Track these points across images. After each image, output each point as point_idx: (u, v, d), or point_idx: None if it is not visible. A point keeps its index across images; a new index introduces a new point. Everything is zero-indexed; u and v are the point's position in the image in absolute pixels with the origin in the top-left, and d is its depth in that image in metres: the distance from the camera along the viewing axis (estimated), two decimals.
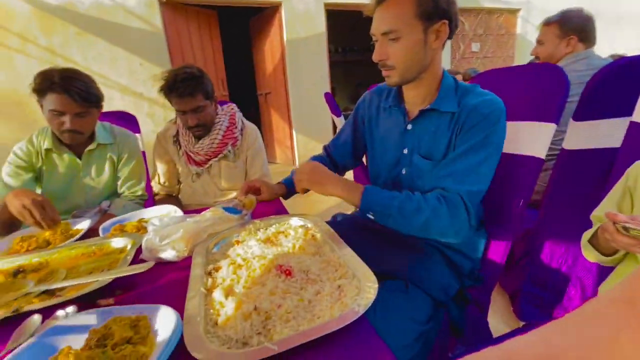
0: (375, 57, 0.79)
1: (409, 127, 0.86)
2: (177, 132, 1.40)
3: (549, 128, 0.83)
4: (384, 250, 0.84)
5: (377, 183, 1.00)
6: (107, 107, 3.25)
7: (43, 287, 0.66)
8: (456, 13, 0.76)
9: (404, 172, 0.89)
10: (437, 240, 0.85)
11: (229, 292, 0.57)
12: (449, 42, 4.57)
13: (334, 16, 3.99)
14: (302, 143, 4.11)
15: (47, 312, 0.57)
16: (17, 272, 0.75)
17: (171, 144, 1.41)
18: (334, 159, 1.12)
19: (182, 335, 0.47)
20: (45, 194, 1.22)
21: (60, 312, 0.55)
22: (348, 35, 6.24)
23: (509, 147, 0.91)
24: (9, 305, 0.61)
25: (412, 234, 0.76)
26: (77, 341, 0.47)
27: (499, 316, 1.47)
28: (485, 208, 0.95)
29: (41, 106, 1.12)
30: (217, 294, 0.56)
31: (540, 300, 1.22)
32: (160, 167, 1.44)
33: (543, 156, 0.85)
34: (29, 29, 2.76)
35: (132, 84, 3.15)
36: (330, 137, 4.08)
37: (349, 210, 1.13)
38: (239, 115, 1.46)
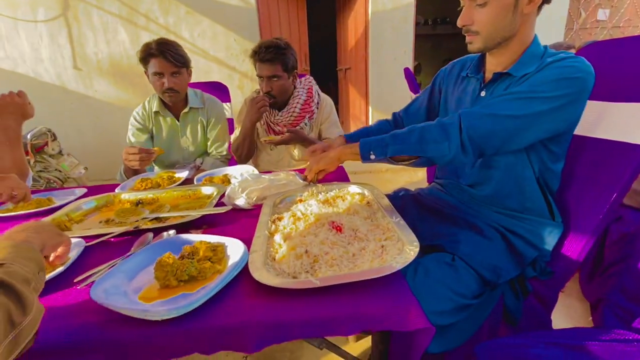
0: (459, 22, 0.77)
1: (483, 93, 0.83)
2: None
3: None
4: (439, 225, 0.84)
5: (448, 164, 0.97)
6: (205, 77, 3.65)
7: (154, 215, 0.86)
8: None
9: None
10: (500, 222, 0.82)
11: (286, 237, 0.67)
12: (564, 9, 3.83)
13: None
14: (378, 119, 4.05)
15: (157, 232, 0.76)
16: (138, 203, 0.99)
17: None
18: (402, 126, 1.09)
19: (247, 263, 0.59)
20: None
21: (165, 233, 0.73)
22: (440, 5, 5.70)
23: (604, 131, 0.80)
24: (132, 224, 0.82)
25: (414, 154, 0.75)
26: (175, 252, 0.62)
27: (573, 324, 1.32)
28: (565, 197, 0.86)
29: (147, 76, 1.37)
30: (277, 237, 0.67)
31: (626, 313, 1.07)
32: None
33: None
34: (152, 10, 3.26)
35: (227, 58, 3.49)
36: None
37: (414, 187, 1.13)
38: (315, 88, 1.53)
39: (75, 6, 3.15)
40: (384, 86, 3.93)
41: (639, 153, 0.74)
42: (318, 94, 1.53)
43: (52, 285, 0.59)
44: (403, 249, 0.57)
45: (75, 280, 0.60)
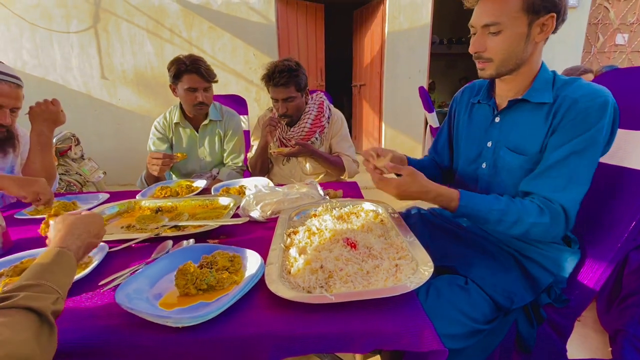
0: (472, 49, 0.78)
1: (497, 119, 0.84)
2: None
3: None
4: (451, 246, 0.84)
5: (454, 177, 0.99)
6: (224, 90, 3.76)
7: (173, 223, 0.89)
8: (566, 6, 0.71)
9: (483, 166, 0.87)
10: (514, 246, 0.82)
11: (301, 251, 0.68)
12: (581, 34, 3.82)
13: (441, 4, 3.76)
14: (390, 136, 4.07)
15: (176, 240, 0.78)
16: (158, 210, 1.03)
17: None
18: (437, 163, 1.09)
19: (263, 275, 0.60)
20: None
21: (184, 242, 0.76)
22: (455, 25, 5.78)
23: (624, 159, 0.79)
24: (152, 231, 0.85)
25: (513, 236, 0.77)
26: (194, 261, 0.64)
27: (590, 355, 1.28)
28: (583, 223, 0.85)
29: (173, 89, 1.43)
30: (293, 251, 0.68)
31: None
32: (256, 146, 1.66)
33: None
34: (177, 24, 3.42)
35: (245, 71, 3.60)
36: (421, 133, 3.93)
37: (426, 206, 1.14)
38: (326, 103, 1.57)
39: (106, 19, 3.33)
40: (398, 103, 3.97)
41: None
42: (329, 109, 1.57)
43: (77, 287, 0.61)
44: (417, 269, 0.58)
45: (99, 284, 0.62)
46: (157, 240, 0.80)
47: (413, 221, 1.02)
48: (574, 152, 0.70)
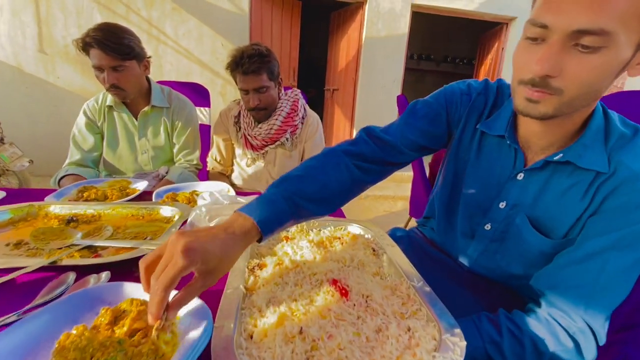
0: (539, 67, 0.44)
1: (520, 176, 0.59)
2: (239, 113, 1.37)
3: None
4: (451, 287, 0.68)
5: (445, 223, 0.77)
6: (185, 79, 3.42)
7: (87, 242, 0.63)
8: None
9: (487, 227, 0.65)
10: (525, 293, 0.67)
11: (271, 299, 0.47)
12: None
13: (413, 19, 3.75)
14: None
15: (83, 271, 0.53)
16: (71, 220, 0.75)
17: (232, 124, 1.38)
18: (386, 142, 0.67)
19: (209, 342, 0.38)
20: (106, 152, 1.27)
21: (92, 278, 0.51)
22: (425, 42, 5.93)
23: None
24: (52, 254, 0.58)
25: None
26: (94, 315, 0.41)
27: None
28: None
29: None
30: (258, 298, 0.47)
31: None
32: (218, 144, 1.43)
33: None
34: (135, 0, 3.03)
35: (212, 62, 3.29)
36: None
37: (403, 221, 0.98)
38: (302, 102, 1.38)
39: None
40: (371, 111, 3.90)
41: None
42: (304, 109, 1.39)
43: None
44: (440, 339, 0.40)
45: None
46: (54, 269, 0.54)
47: (402, 248, 0.85)
48: (618, 244, 0.49)
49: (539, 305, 0.54)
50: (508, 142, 0.60)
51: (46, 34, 2.95)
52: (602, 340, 0.50)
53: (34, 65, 2.99)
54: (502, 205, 0.62)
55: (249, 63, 1.14)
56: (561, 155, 0.54)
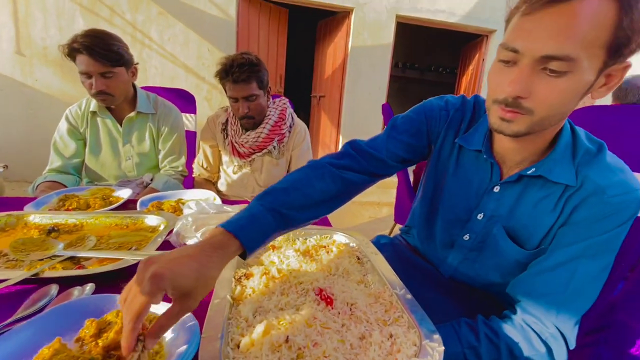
0: (510, 89, 0.48)
1: (497, 189, 0.63)
2: (227, 120, 1.38)
3: None
4: (433, 294, 0.70)
5: (426, 233, 0.79)
6: (170, 84, 3.38)
7: (70, 253, 0.62)
8: None
9: (466, 237, 0.68)
10: (503, 298, 0.70)
11: (257, 309, 0.48)
12: None
13: (400, 29, 3.86)
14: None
15: (67, 283, 0.52)
16: (52, 230, 0.74)
17: (219, 131, 1.38)
18: (372, 155, 0.69)
19: (197, 354, 0.39)
20: (89, 158, 1.25)
21: (76, 290, 0.50)
22: (409, 50, 6.08)
23: None
24: (33, 266, 0.57)
25: None
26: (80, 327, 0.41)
27: None
28: None
29: None
30: (245, 308, 0.48)
31: None
32: (205, 151, 1.43)
33: None
34: (119, 2, 2.98)
35: (197, 67, 3.27)
36: None
37: (389, 226, 1.00)
38: (289, 111, 1.40)
39: None
40: (357, 118, 3.96)
41: None
42: (292, 117, 1.41)
43: None
44: (420, 345, 0.42)
45: None
46: (36, 281, 0.53)
47: (386, 255, 0.87)
48: (587, 253, 0.53)
49: (515, 312, 0.57)
50: (485, 156, 0.63)
51: (24, 34, 2.87)
52: (572, 345, 0.53)
53: (10, 67, 2.89)
54: (479, 216, 0.65)
55: (239, 72, 1.16)
56: (534, 169, 0.57)
